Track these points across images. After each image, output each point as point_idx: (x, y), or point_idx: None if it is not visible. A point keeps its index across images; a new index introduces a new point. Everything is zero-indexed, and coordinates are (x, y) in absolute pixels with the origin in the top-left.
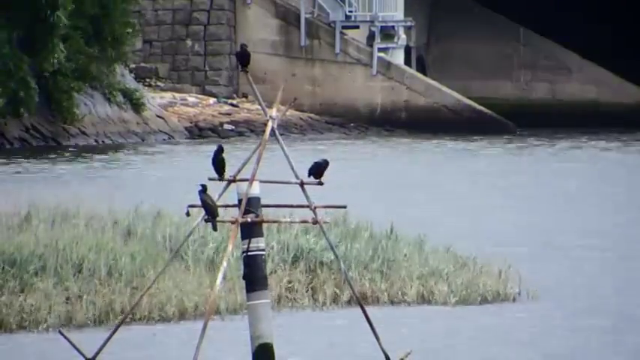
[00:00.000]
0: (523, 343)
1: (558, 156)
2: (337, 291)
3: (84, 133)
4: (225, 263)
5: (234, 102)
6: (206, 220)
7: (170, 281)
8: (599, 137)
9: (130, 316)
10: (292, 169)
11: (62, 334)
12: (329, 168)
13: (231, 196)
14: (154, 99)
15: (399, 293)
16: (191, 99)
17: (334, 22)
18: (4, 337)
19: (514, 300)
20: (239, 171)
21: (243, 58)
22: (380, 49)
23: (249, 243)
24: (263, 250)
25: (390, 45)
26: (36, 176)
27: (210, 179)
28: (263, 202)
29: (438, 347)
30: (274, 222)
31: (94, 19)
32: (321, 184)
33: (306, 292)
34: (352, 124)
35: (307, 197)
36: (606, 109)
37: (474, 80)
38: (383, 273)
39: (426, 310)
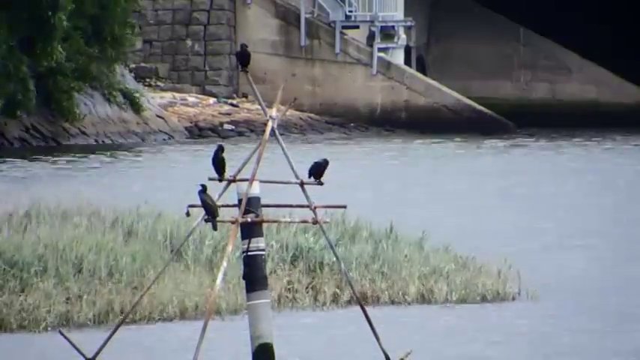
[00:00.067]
0: (523, 342)
1: (558, 156)
2: (337, 291)
3: (84, 133)
4: (225, 263)
5: (234, 102)
6: (206, 220)
7: (170, 281)
8: (599, 137)
9: (130, 316)
10: (292, 169)
11: (62, 334)
12: (329, 168)
13: (231, 196)
14: (154, 99)
15: (399, 293)
16: (191, 99)
17: (334, 22)
18: (4, 337)
19: (514, 299)
20: (239, 171)
21: (244, 58)
22: (380, 49)
23: (249, 243)
24: (263, 250)
25: (390, 45)
26: (36, 176)
27: (210, 179)
28: (263, 202)
29: (438, 347)
30: (274, 222)
31: (94, 19)
32: (321, 184)
33: (306, 292)
34: (352, 124)
35: (307, 197)
36: (606, 109)
37: (474, 80)
38: (383, 273)
39: (426, 310)
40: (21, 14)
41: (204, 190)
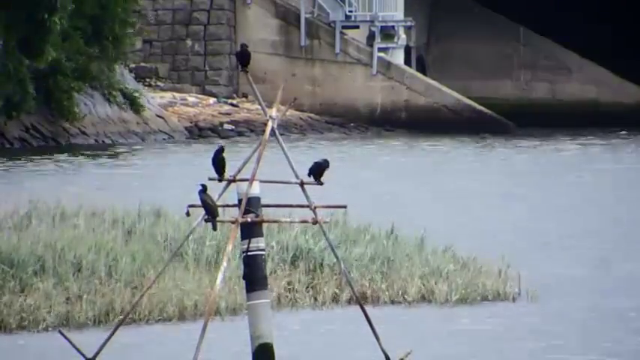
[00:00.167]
0: (523, 342)
1: (558, 156)
2: (337, 291)
3: (84, 133)
4: (225, 263)
5: (234, 102)
6: (206, 220)
7: (170, 281)
8: (599, 137)
9: (130, 316)
10: (292, 169)
11: (62, 334)
12: (329, 168)
13: (231, 196)
14: (154, 99)
15: (400, 293)
16: (191, 99)
17: (334, 22)
18: (4, 337)
19: (514, 299)
20: (239, 171)
21: (244, 58)
22: (380, 49)
23: (249, 243)
24: (263, 250)
25: (390, 45)
26: (36, 176)
27: (210, 179)
28: (263, 202)
29: (438, 347)
30: (274, 222)
31: (94, 19)
32: (321, 184)
33: (306, 292)
34: (352, 124)
35: (307, 197)
36: (606, 109)
37: (474, 80)
38: (383, 273)
39: (426, 310)
40: (19, 14)
41: (204, 190)
